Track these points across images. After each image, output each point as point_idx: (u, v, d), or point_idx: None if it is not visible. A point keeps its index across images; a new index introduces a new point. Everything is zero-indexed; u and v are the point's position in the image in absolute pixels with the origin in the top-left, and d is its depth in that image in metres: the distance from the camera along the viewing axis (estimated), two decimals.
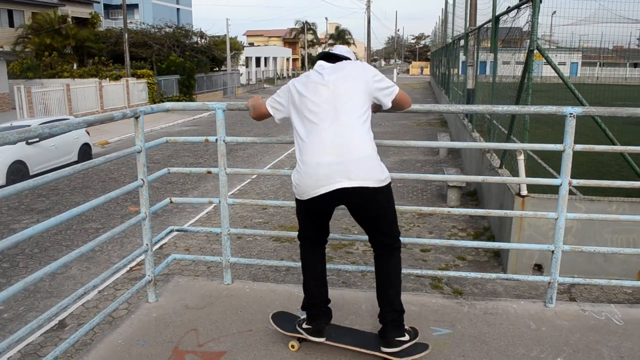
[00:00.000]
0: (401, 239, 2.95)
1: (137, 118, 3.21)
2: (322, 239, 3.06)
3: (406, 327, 2.92)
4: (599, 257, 6.79)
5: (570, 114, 3.22)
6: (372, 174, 2.67)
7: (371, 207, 2.76)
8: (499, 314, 3.34)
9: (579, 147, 3.30)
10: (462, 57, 17.55)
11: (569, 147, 3.26)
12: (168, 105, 3.57)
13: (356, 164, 2.64)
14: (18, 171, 12.86)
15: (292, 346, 2.98)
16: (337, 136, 2.66)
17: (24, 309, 6.51)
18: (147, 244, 3.42)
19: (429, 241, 3.81)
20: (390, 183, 2.80)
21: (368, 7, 46.69)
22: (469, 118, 14.13)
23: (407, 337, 2.86)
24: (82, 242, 8.79)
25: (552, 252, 3.41)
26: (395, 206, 2.90)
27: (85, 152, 15.42)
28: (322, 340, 2.92)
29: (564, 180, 3.30)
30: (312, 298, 2.97)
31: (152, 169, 3.37)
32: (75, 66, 32.76)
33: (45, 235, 8.93)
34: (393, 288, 2.91)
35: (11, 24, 34.82)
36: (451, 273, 3.58)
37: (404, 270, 3.60)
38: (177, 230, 3.82)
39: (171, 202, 3.80)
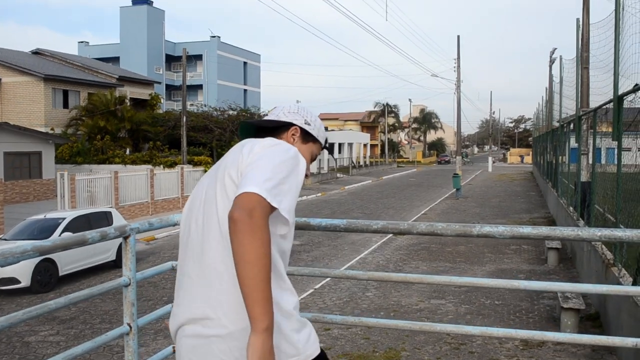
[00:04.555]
0: None
1: None
2: None
3: None
4: None
5: None
6: None
7: None
8: None
9: None
10: (572, 143, 16.70)
11: None
12: None
13: None
14: (46, 271, 12.79)
15: None
16: None
17: None
18: None
19: None
20: None
21: (458, 87, 46.64)
22: (585, 220, 13.05)
23: None
24: None
25: None
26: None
27: None
28: None
29: None
30: None
31: None
32: (128, 151, 34.13)
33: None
34: None
35: (65, 105, 36.95)
36: None
37: None
38: None
39: None
